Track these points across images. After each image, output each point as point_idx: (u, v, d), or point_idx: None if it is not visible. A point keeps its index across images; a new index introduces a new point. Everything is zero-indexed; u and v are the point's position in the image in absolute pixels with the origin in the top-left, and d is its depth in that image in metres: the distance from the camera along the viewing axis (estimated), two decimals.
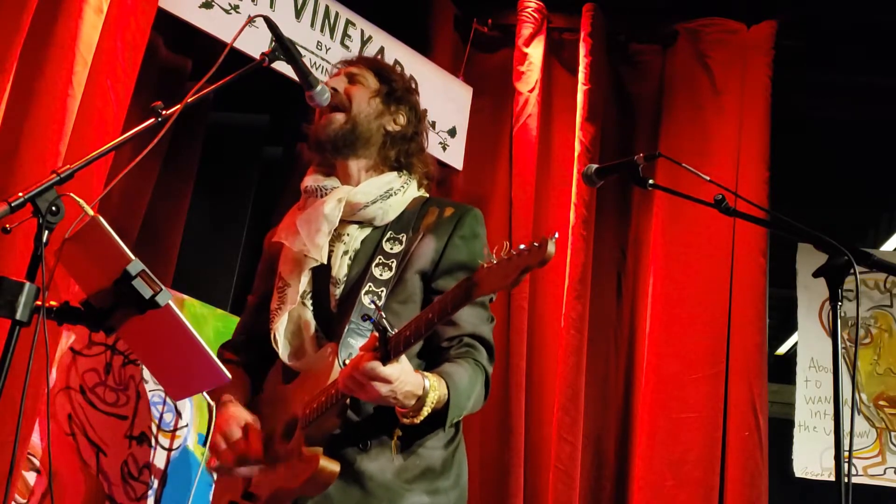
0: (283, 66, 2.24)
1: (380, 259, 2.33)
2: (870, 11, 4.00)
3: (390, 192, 2.40)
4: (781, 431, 4.03)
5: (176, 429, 3.24)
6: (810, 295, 4.19)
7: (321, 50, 3.47)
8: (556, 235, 1.76)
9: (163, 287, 1.70)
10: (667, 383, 3.68)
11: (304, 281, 2.34)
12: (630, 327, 3.86)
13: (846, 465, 2.01)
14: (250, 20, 2.28)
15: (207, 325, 3.39)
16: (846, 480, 1.98)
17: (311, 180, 2.43)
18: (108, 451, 3.02)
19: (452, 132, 3.89)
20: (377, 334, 1.95)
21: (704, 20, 4.10)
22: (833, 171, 4.49)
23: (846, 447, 2.04)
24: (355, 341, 2.21)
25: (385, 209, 2.39)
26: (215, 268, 3.81)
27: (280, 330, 2.32)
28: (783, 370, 4.28)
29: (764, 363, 3.71)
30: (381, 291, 2.28)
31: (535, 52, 4.01)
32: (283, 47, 2.14)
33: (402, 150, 2.48)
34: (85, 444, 2.97)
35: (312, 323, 2.31)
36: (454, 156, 3.90)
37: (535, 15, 4.05)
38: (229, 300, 3.74)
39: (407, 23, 3.91)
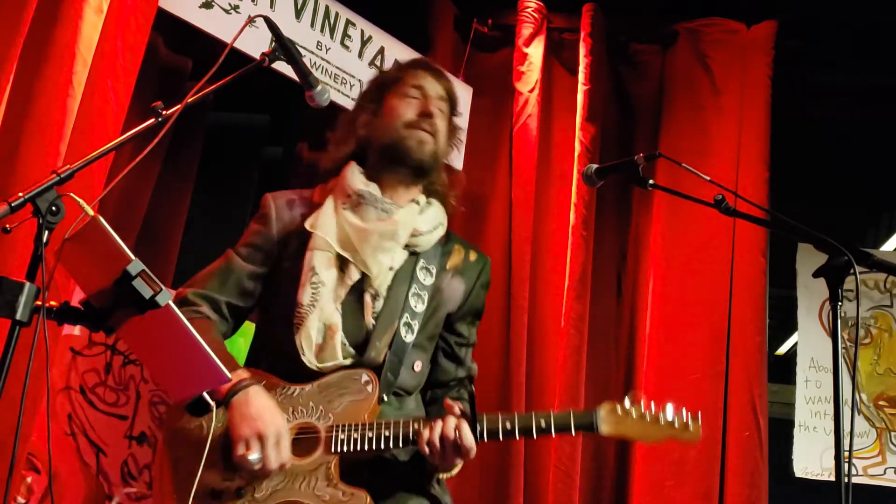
0: (283, 66, 2.24)
1: (415, 289, 2.41)
2: (870, 11, 4.00)
3: (437, 226, 2.50)
4: (781, 431, 4.03)
5: None
6: (810, 295, 4.19)
7: (321, 50, 3.47)
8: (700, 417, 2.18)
9: (163, 287, 1.70)
10: (667, 383, 3.68)
11: (343, 291, 2.35)
12: (630, 327, 3.86)
13: (846, 466, 2.01)
14: (250, 20, 2.28)
15: None
16: (846, 480, 1.98)
17: (361, 184, 2.42)
18: (108, 452, 3.02)
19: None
20: (467, 416, 2.17)
21: (704, 20, 4.10)
22: (833, 171, 4.50)
23: (846, 447, 2.04)
24: (394, 379, 2.34)
25: (430, 240, 2.48)
26: None
27: (312, 329, 2.31)
28: (783, 370, 4.28)
29: (764, 363, 3.72)
30: (415, 324, 2.39)
31: (535, 52, 4.01)
32: (284, 47, 2.14)
33: (443, 181, 2.57)
34: (85, 445, 2.97)
35: (340, 329, 2.33)
36: (454, 156, 3.90)
37: (535, 15, 4.05)
38: None
39: (407, 23, 3.91)
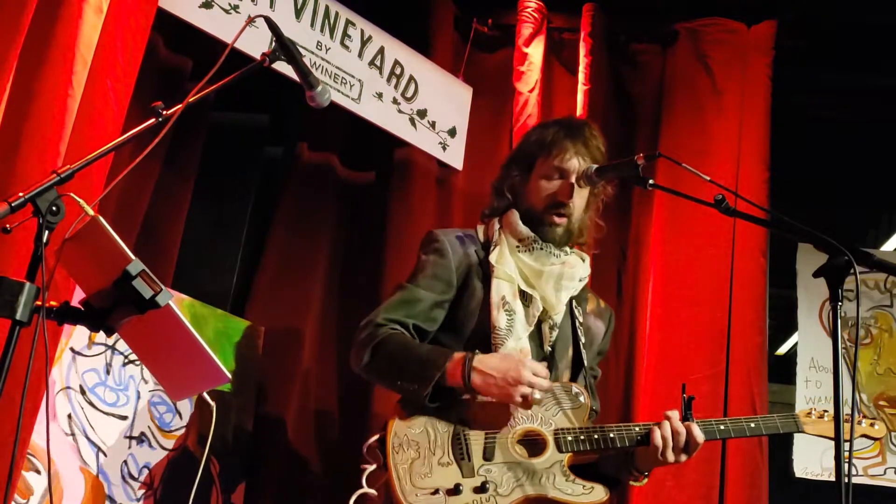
0: (283, 66, 2.24)
1: (577, 324, 2.72)
2: (870, 11, 4.00)
3: (588, 275, 2.80)
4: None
5: (175, 429, 3.24)
6: (810, 295, 4.19)
7: (321, 50, 3.47)
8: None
9: (163, 287, 1.70)
10: (667, 383, 3.67)
11: (532, 321, 2.59)
12: (630, 326, 3.85)
13: (846, 466, 2.01)
14: (250, 20, 2.28)
15: (208, 326, 3.39)
16: (846, 481, 1.98)
17: (530, 231, 2.66)
18: (108, 452, 3.02)
19: (452, 132, 3.89)
20: (688, 417, 2.42)
21: (705, 20, 4.10)
22: (833, 171, 4.49)
23: (846, 447, 2.04)
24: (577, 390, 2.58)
25: (582, 286, 2.78)
26: (215, 268, 3.80)
27: (510, 350, 2.51)
28: (783, 370, 4.28)
29: (764, 363, 3.71)
30: (584, 352, 2.70)
31: (535, 52, 4.01)
32: (284, 47, 2.14)
33: (586, 237, 2.80)
34: (85, 445, 2.97)
35: (530, 353, 2.55)
36: (454, 156, 3.90)
37: (535, 15, 4.05)
38: (229, 300, 3.74)
39: (407, 23, 3.91)
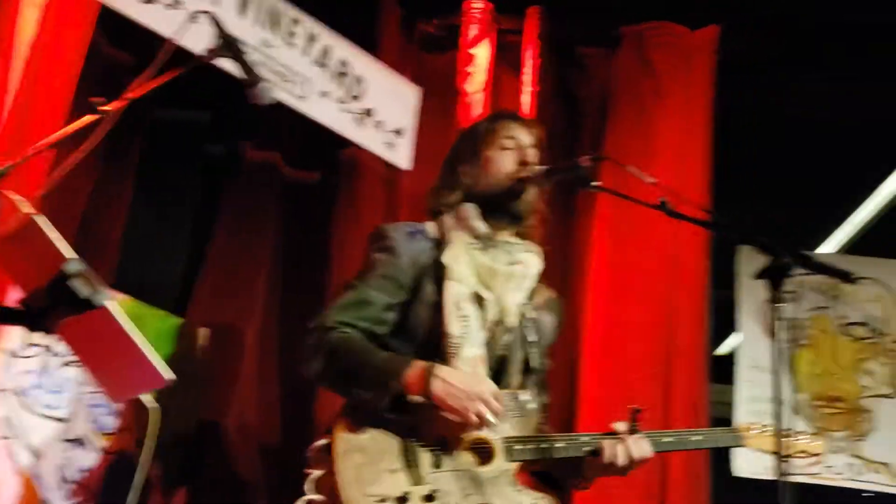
0: (226, 63, 2.21)
1: (528, 322, 2.62)
2: (812, 14, 4.07)
3: (541, 268, 2.71)
4: None
5: (115, 432, 3.19)
6: (751, 296, 4.25)
7: (266, 47, 3.43)
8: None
9: (102, 287, 1.66)
10: (610, 384, 3.71)
11: (486, 325, 2.51)
12: (574, 328, 3.88)
13: (786, 465, 2.04)
14: (193, 16, 2.24)
15: (148, 326, 3.34)
16: (786, 479, 2.01)
17: (485, 227, 2.59)
18: (45, 455, 2.96)
19: (399, 132, 3.87)
20: (634, 430, 2.40)
21: (649, 24, 4.14)
22: (774, 174, 4.57)
23: (787, 447, 2.08)
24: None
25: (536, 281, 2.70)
26: (157, 267, 3.75)
27: (466, 358, 2.43)
28: (723, 370, 4.33)
29: (705, 364, 3.77)
30: (534, 352, 2.62)
31: (482, 53, 4.02)
32: (227, 44, 2.12)
33: (533, 224, 2.74)
34: (21, 447, 2.90)
35: (484, 359, 2.48)
36: (401, 156, 3.89)
37: (480, 16, 4.05)
38: (171, 300, 3.69)
39: (353, 22, 3.88)
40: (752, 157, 4.42)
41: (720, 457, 3.99)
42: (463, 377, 2.31)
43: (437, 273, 2.53)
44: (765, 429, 2.66)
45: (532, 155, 2.66)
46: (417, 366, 2.31)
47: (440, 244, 2.59)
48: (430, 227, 2.66)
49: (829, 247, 4.88)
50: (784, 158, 4.53)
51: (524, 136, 2.68)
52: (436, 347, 2.44)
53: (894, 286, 4.28)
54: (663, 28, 4.13)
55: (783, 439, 2.06)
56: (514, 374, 2.57)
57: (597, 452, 2.41)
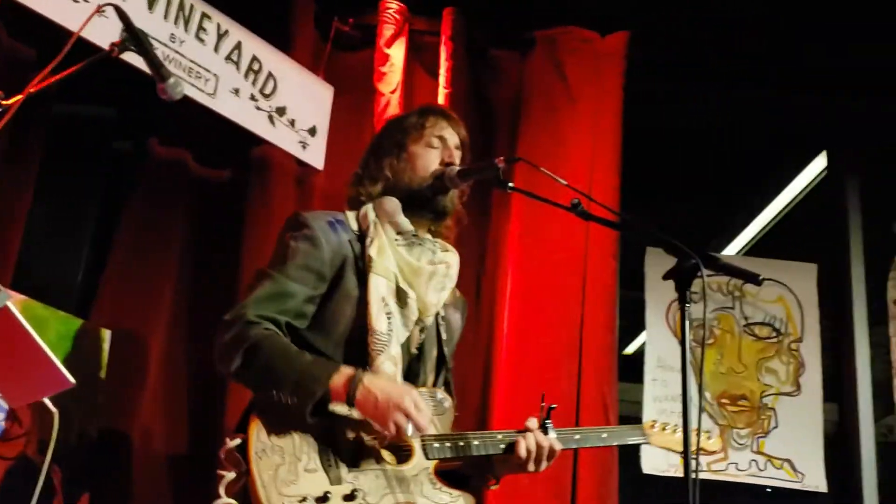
0: (134, 58, 2.16)
1: (440, 318, 2.66)
2: (718, 25, 4.18)
3: None
4: None
5: (14, 437, 3.08)
6: (658, 297, 4.33)
7: (175, 43, 3.36)
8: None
9: (1, 288, 1.60)
10: (522, 383, 3.73)
11: (409, 323, 2.50)
12: (489, 328, 3.90)
13: (693, 462, 2.08)
14: (99, 9, 2.18)
15: (49, 328, 3.23)
16: (693, 476, 2.05)
17: (409, 224, 2.58)
18: None
19: (313, 131, 3.84)
20: (546, 427, 2.48)
21: (561, 28, 4.19)
22: (681, 178, 4.67)
23: (693, 444, 2.12)
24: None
25: None
26: (59, 267, 3.64)
27: (389, 356, 2.42)
28: (631, 370, 4.41)
29: (614, 363, 3.83)
30: (447, 351, 2.66)
31: (397, 53, 4.01)
32: (134, 38, 2.07)
33: (448, 224, 2.77)
34: None
35: (401, 360, 2.47)
36: (314, 155, 3.85)
37: (396, 16, 4.04)
38: (74, 301, 3.58)
39: (266, 19, 3.82)
40: (660, 161, 4.51)
41: (630, 455, 4.06)
42: (388, 387, 2.28)
43: (360, 266, 2.48)
44: (667, 426, 2.77)
45: (457, 156, 2.68)
46: (343, 373, 2.27)
47: (362, 236, 2.54)
48: (351, 218, 2.60)
49: (734, 248, 5.02)
50: (691, 163, 4.65)
51: (451, 136, 2.69)
52: (359, 343, 2.41)
53: (795, 287, 4.41)
54: (574, 33, 4.18)
55: (686, 435, 2.11)
56: (428, 373, 2.58)
57: (511, 449, 2.44)
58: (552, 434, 2.49)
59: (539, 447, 2.44)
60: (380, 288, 2.46)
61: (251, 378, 2.35)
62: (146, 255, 3.68)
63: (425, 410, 2.30)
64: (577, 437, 2.61)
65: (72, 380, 1.73)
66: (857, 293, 4.33)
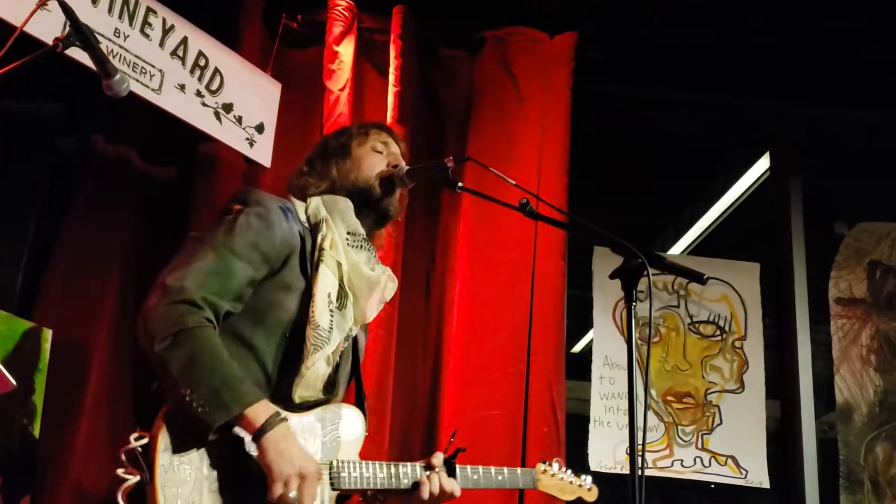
0: (78, 53, 2.12)
1: (361, 336, 2.66)
2: (668, 27, 4.23)
3: None
4: (578, 427, 4.17)
5: None
6: (605, 295, 4.37)
7: (119, 37, 3.30)
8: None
9: None
10: (471, 382, 3.75)
11: (347, 325, 2.46)
12: (438, 327, 3.90)
13: (639, 459, 2.10)
14: (42, 3, 2.14)
15: None
16: (640, 473, 2.08)
17: (361, 227, 2.56)
18: None
19: (260, 128, 3.80)
20: (449, 465, 2.54)
21: (510, 28, 4.21)
22: (627, 179, 4.72)
23: (639, 441, 2.15)
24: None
25: None
26: None
27: (326, 354, 2.36)
28: (579, 367, 4.44)
29: (562, 362, 3.86)
30: (357, 368, 2.62)
31: (346, 51, 3.99)
32: (79, 33, 2.03)
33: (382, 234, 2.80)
34: None
35: (327, 371, 2.41)
36: (262, 152, 3.82)
37: (345, 14, 4.02)
38: (15, 301, 3.51)
39: (212, 14, 3.78)
40: (607, 161, 4.56)
41: (579, 452, 4.09)
42: (298, 449, 2.15)
43: (307, 259, 2.40)
44: (558, 472, 2.87)
45: (401, 161, 2.70)
46: (268, 407, 2.14)
47: (312, 229, 2.46)
48: (300, 209, 2.52)
49: (678, 248, 5.08)
50: (637, 164, 4.70)
51: (393, 146, 2.74)
52: (296, 338, 2.31)
53: (738, 286, 4.48)
54: (523, 33, 4.21)
55: (633, 433, 2.13)
56: (342, 385, 2.52)
57: (416, 486, 2.48)
58: (457, 472, 2.55)
59: (441, 491, 2.50)
60: (328, 282, 2.37)
61: (169, 365, 2.12)
62: (91, 253, 3.61)
63: (315, 496, 2.19)
64: (475, 477, 2.65)
65: (13, 381, 1.69)
66: (799, 292, 4.40)
